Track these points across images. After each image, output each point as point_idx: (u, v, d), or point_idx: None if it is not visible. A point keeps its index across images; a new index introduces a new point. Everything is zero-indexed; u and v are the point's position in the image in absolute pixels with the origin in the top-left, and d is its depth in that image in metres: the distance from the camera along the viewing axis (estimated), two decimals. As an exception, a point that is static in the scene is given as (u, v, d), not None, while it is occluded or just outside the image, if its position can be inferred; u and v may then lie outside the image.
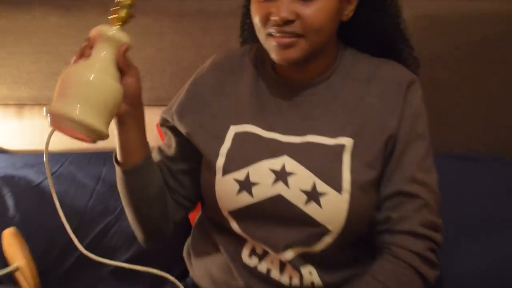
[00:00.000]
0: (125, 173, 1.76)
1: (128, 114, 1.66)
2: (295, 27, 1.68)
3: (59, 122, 1.53)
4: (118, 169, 1.78)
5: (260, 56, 1.90)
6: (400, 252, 1.73)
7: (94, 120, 1.53)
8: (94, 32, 1.59)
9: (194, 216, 2.10)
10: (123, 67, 1.61)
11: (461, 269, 2.10)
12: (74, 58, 1.58)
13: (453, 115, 2.55)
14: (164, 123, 1.93)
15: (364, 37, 1.89)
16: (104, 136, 1.56)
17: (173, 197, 1.91)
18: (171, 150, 1.91)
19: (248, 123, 1.83)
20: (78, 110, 1.51)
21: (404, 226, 1.74)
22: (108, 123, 1.57)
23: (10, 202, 2.33)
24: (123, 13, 1.60)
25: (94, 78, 1.53)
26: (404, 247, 1.73)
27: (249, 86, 1.88)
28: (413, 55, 1.95)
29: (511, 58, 2.49)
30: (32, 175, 2.45)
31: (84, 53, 1.58)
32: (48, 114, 1.53)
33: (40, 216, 2.31)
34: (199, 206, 1.99)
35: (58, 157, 2.54)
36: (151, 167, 1.82)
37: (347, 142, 1.77)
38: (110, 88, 1.57)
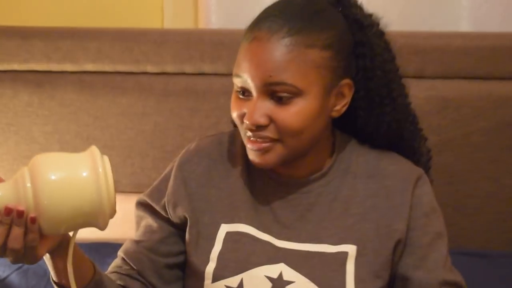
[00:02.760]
0: None
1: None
2: (270, 132, 1.56)
3: None
4: None
5: None
6: None
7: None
8: None
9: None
10: None
11: None
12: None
13: (465, 208, 2.39)
14: (145, 209, 1.77)
15: (367, 129, 1.74)
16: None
17: None
18: (155, 242, 1.73)
19: (241, 222, 1.69)
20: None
21: None
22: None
23: None
24: None
25: None
26: None
27: (241, 180, 1.72)
28: (426, 146, 1.84)
29: None
30: None
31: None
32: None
33: None
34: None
35: None
36: (107, 277, 1.66)
37: (350, 249, 1.63)
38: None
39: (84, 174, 1.32)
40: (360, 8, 1.67)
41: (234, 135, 1.78)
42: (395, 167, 1.68)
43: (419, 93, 2.26)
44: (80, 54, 2.45)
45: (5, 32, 2.50)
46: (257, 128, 1.53)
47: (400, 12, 2.60)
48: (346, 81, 1.60)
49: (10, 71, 2.49)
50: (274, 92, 1.52)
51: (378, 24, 1.69)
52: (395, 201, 1.64)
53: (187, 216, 1.70)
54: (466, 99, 2.34)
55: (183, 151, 1.80)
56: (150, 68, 2.46)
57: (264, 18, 1.56)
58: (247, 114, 1.53)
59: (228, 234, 1.67)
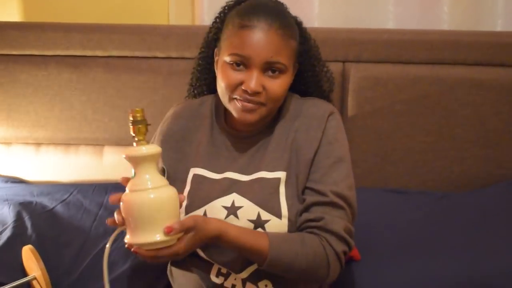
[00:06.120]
0: None
1: None
2: (260, 97, 1.70)
3: (146, 247, 1.52)
4: None
5: (216, 108, 1.89)
6: (326, 244, 1.71)
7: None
8: (130, 155, 1.53)
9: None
10: None
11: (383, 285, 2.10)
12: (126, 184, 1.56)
13: (390, 157, 2.56)
14: None
15: (300, 85, 1.91)
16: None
17: None
18: None
19: (203, 167, 1.83)
20: (163, 232, 1.50)
21: (334, 227, 1.71)
22: None
23: (28, 223, 2.29)
24: (143, 128, 1.53)
25: (156, 198, 1.51)
26: (330, 244, 1.71)
27: (206, 135, 1.87)
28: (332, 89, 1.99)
29: (437, 113, 2.52)
30: (46, 202, 2.43)
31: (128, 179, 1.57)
32: (134, 245, 1.53)
33: (52, 235, 2.29)
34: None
35: (68, 187, 2.53)
36: None
37: (282, 175, 1.77)
38: (172, 196, 1.55)
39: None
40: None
41: (203, 101, 1.92)
42: (314, 109, 1.83)
43: (357, 73, 2.50)
44: (107, 43, 2.55)
45: (51, 27, 2.58)
46: (254, 94, 1.68)
47: (344, 14, 2.74)
48: (296, 64, 1.82)
49: (55, 55, 2.59)
50: (271, 68, 1.69)
51: (306, 29, 1.88)
52: (311, 134, 1.78)
53: (165, 167, 1.84)
54: (391, 78, 2.48)
55: (164, 117, 1.94)
56: (159, 54, 2.57)
57: (258, 12, 1.70)
58: (248, 83, 1.67)
59: (195, 176, 1.82)
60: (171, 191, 1.54)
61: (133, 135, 1.52)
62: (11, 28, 2.62)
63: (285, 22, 1.72)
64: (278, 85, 1.70)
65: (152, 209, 1.50)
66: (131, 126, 1.52)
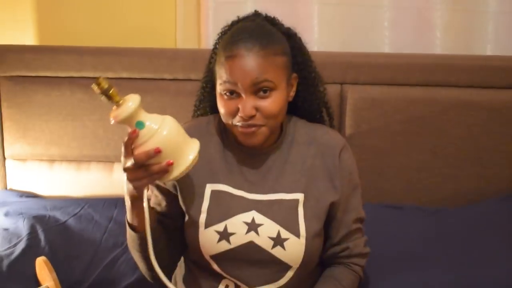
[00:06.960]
0: (142, 237, 1.71)
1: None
2: (257, 120, 1.69)
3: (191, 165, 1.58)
4: (134, 234, 1.74)
5: (224, 126, 1.84)
6: (355, 267, 1.87)
7: (194, 146, 1.60)
8: (123, 116, 1.55)
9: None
10: None
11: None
12: (126, 150, 1.59)
13: (386, 175, 2.61)
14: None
15: (300, 107, 1.90)
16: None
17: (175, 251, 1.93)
18: (164, 207, 1.88)
19: (220, 182, 1.82)
20: (192, 154, 1.57)
21: (356, 250, 1.86)
22: None
23: (41, 236, 2.32)
24: (114, 91, 1.54)
25: (168, 131, 1.56)
26: (357, 264, 1.87)
27: (218, 152, 1.85)
28: (332, 121, 1.99)
29: (431, 132, 2.56)
30: (59, 216, 2.46)
31: (131, 143, 1.58)
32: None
33: (65, 247, 2.32)
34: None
35: (79, 202, 2.57)
36: (160, 226, 1.83)
37: (300, 197, 1.79)
38: (173, 121, 1.62)
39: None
40: (281, 24, 1.83)
41: (210, 119, 1.89)
42: (327, 137, 1.85)
43: (354, 95, 2.54)
44: (117, 65, 2.59)
45: (65, 50, 2.63)
46: (249, 118, 1.67)
47: (342, 38, 2.78)
48: (294, 75, 1.79)
49: (69, 77, 2.63)
50: (260, 88, 1.66)
51: (300, 38, 1.85)
52: (328, 162, 1.80)
53: (176, 183, 1.83)
54: (387, 99, 2.52)
55: None
56: (166, 76, 2.60)
57: (237, 41, 1.68)
58: (241, 109, 1.66)
59: (212, 192, 1.80)
60: (169, 118, 1.60)
61: (111, 102, 1.53)
62: (27, 51, 2.66)
63: (266, 41, 1.69)
64: (270, 102, 1.69)
65: (172, 141, 1.54)
66: (104, 96, 1.52)
